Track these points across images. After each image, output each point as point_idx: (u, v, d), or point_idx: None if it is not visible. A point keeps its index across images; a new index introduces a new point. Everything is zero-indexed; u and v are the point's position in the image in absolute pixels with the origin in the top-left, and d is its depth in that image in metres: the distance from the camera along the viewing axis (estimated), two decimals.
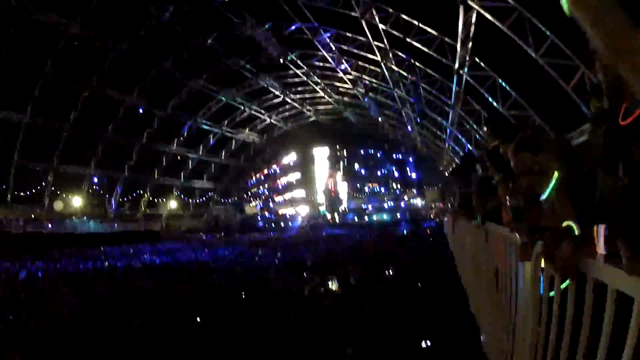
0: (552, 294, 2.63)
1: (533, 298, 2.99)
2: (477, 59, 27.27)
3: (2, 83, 37.54)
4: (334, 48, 38.10)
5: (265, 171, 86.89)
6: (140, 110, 48.84)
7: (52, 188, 50.31)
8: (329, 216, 78.35)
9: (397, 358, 8.90)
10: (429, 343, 11.47)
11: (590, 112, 4.11)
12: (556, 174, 3.15)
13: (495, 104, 28.05)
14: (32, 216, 48.48)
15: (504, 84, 27.41)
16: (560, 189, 3.12)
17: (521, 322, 3.35)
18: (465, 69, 28.17)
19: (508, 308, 3.82)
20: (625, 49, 1.30)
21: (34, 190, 50.40)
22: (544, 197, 3.22)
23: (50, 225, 47.02)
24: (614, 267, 1.77)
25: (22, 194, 49.24)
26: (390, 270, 22.84)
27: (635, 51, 1.24)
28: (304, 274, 24.24)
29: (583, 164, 3.27)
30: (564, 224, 2.58)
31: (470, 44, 25.95)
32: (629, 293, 1.68)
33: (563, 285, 2.44)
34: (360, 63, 40.03)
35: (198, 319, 12.16)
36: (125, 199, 60.17)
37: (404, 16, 29.35)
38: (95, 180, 54.60)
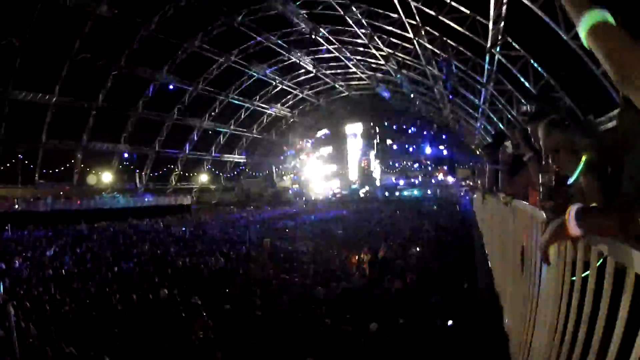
0: (574, 278, 2.64)
1: (556, 280, 2.99)
2: (509, 39, 27.04)
3: (30, 64, 37.91)
4: (365, 24, 37.91)
5: (297, 145, 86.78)
6: (171, 87, 49.10)
7: (82, 165, 51.00)
8: (361, 193, 78.58)
9: None
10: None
11: (619, 96, 4.08)
12: (584, 157, 3.14)
13: (527, 84, 27.82)
14: (61, 193, 49.16)
15: (535, 64, 27.14)
16: (588, 172, 3.11)
17: (543, 304, 3.35)
18: (498, 48, 27.96)
19: (531, 289, 3.83)
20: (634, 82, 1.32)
21: (62, 168, 51.10)
22: (571, 180, 3.22)
23: (79, 202, 47.67)
24: (634, 249, 1.77)
25: (50, 171, 49.88)
26: (417, 248, 22.97)
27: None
28: (332, 248, 24.50)
29: (612, 148, 3.25)
30: (590, 205, 2.58)
31: (502, 23, 25.73)
32: None
33: (585, 274, 2.45)
34: (392, 40, 39.76)
35: None
36: (156, 173, 60.70)
37: None
38: (126, 155, 55.08)
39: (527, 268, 4.12)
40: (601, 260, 2.20)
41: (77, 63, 40.92)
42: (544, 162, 3.84)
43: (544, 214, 3.39)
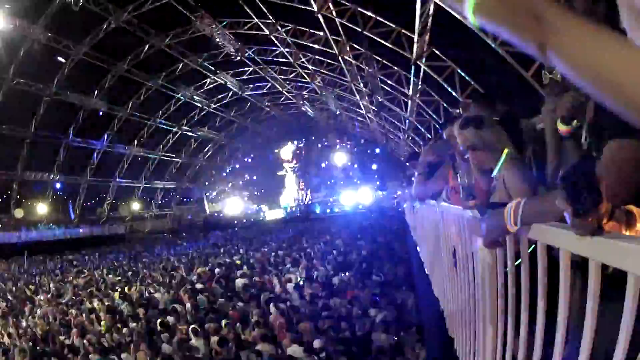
0: (507, 269, 2.67)
1: (490, 274, 3.02)
2: (434, 50, 27.46)
3: None
4: (291, 43, 38.13)
5: (227, 168, 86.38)
6: (100, 113, 48.47)
7: (18, 196, 49.93)
8: (290, 209, 78.78)
9: None
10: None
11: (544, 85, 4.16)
12: (505, 151, 3.19)
13: (454, 93, 28.27)
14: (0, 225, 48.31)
15: (462, 73, 27.62)
16: (510, 165, 3.16)
17: (481, 300, 3.38)
18: (423, 60, 28.35)
19: (467, 287, 3.86)
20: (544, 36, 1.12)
21: (0, 200, 50.15)
22: (494, 173, 3.26)
23: (17, 234, 46.93)
24: (562, 228, 1.79)
25: None
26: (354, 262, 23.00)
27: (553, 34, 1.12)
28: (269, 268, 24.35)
29: (530, 138, 3.33)
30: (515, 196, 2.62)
31: (428, 35, 26.12)
32: (582, 254, 1.70)
33: (517, 262, 2.49)
34: (317, 57, 40.08)
35: None
36: (89, 203, 59.75)
37: (360, 9, 29.48)
38: (58, 186, 54.15)
39: (460, 266, 4.17)
40: (532, 247, 2.23)
41: (11, 88, 40.21)
42: (459, 162, 3.91)
43: (470, 212, 3.45)
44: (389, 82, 35.45)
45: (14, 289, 25.27)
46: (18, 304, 20.91)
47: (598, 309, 1.68)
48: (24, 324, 16.96)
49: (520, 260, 2.39)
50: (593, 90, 1.03)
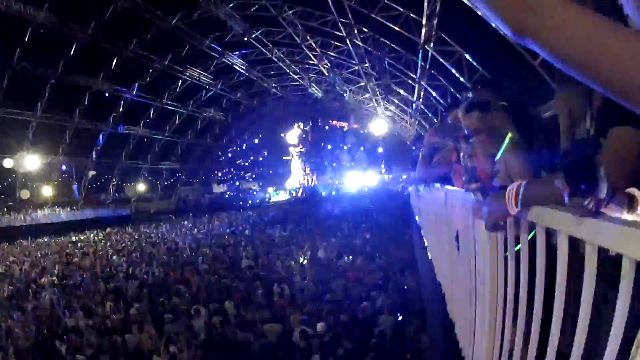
0: (507, 253, 2.67)
1: (491, 258, 3.01)
2: (442, 34, 27.40)
3: None
4: (298, 25, 37.98)
5: (233, 149, 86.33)
6: (106, 94, 48.39)
7: (23, 179, 50.01)
8: (296, 192, 78.88)
9: None
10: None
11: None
12: (509, 135, 3.18)
13: (461, 78, 28.23)
14: (5, 209, 48.33)
15: (470, 58, 27.56)
16: (512, 149, 3.15)
17: (481, 285, 3.37)
18: (431, 44, 28.29)
19: (469, 271, 3.86)
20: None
21: (5, 184, 50.25)
22: (497, 157, 3.25)
23: (22, 217, 47.01)
24: (562, 211, 1.77)
25: None
26: (357, 245, 22.99)
27: None
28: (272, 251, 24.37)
29: (538, 125, 3.30)
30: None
31: (436, 19, 26.03)
32: (579, 237, 1.68)
33: (517, 248, 2.48)
34: (325, 39, 39.96)
35: None
36: (94, 184, 59.83)
37: None
38: (64, 168, 54.19)
39: (462, 249, 4.17)
40: (533, 233, 2.22)
41: (17, 73, 40.09)
42: (462, 145, 3.90)
43: (472, 195, 3.44)
44: (396, 65, 35.38)
45: (19, 271, 25.32)
46: (23, 286, 20.98)
47: (594, 293, 1.67)
48: (29, 306, 17.00)
49: (520, 244, 2.39)
50: (576, 74, 1.00)
